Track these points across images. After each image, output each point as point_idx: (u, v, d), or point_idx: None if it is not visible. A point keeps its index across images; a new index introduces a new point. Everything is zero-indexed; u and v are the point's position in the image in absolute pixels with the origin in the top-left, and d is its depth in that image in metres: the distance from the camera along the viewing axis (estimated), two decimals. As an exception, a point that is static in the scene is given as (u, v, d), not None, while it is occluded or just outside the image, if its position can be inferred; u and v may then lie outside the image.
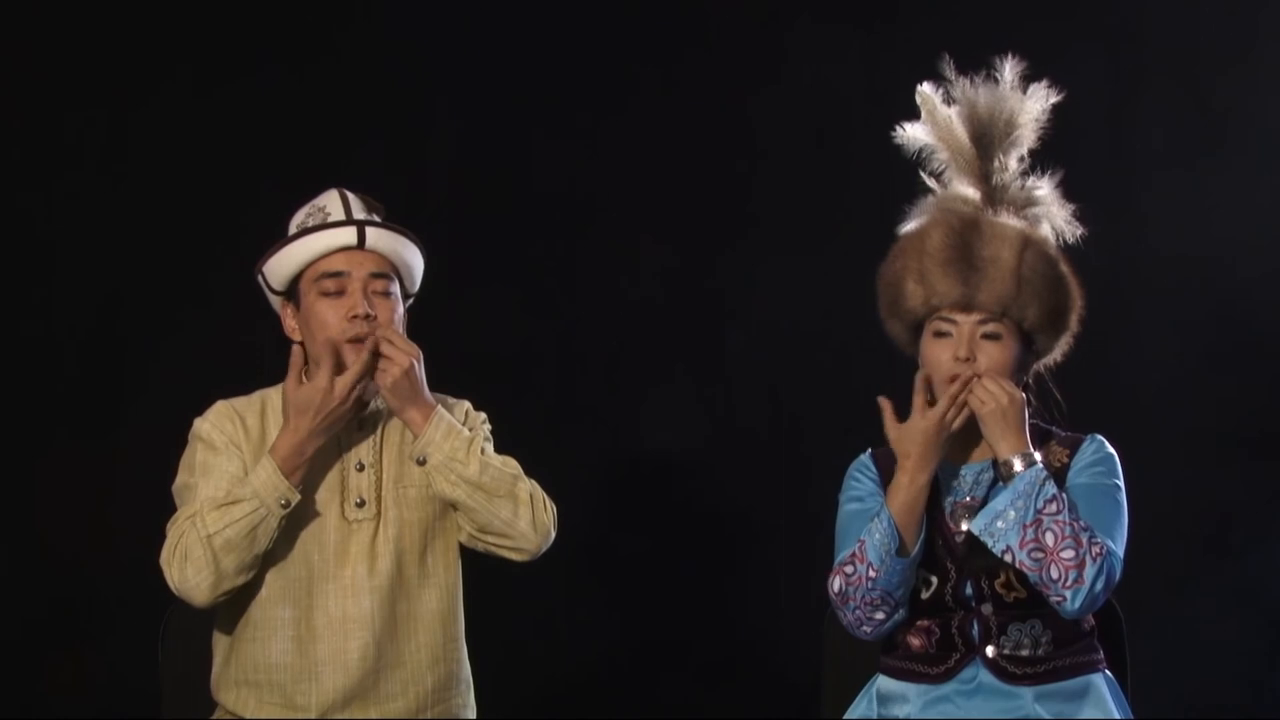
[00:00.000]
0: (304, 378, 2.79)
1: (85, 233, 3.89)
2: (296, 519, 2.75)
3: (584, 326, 4.10)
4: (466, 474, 2.76)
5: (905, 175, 3.01)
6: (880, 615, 2.73)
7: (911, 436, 2.72)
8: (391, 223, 2.85)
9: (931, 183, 2.95)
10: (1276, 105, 4.16)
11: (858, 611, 2.73)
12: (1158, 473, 2.97)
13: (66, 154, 3.90)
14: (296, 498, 2.72)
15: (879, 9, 4.15)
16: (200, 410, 2.86)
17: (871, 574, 2.70)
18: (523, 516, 2.79)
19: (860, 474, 2.88)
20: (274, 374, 2.88)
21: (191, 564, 2.69)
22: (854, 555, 2.73)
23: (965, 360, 2.74)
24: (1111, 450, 2.81)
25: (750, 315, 4.12)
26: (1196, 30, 4.16)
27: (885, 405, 2.76)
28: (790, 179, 4.12)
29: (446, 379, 2.88)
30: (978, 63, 2.95)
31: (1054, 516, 2.66)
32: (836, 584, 2.75)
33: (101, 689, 3.79)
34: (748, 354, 4.12)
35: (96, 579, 3.85)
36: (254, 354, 3.52)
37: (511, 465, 2.83)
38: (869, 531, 2.72)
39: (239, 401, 2.86)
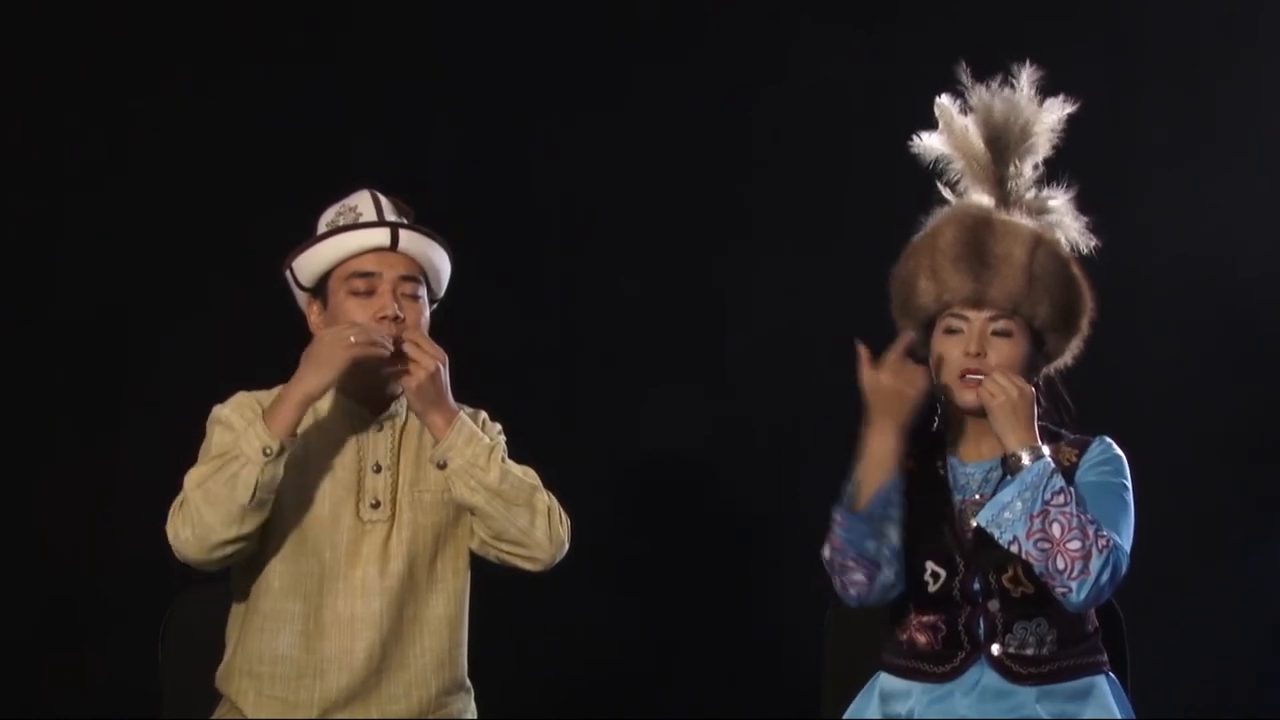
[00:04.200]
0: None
1: (86, 234, 3.89)
2: (312, 515, 2.76)
3: (584, 327, 4.10)
4: (487, 480, 2.76)
5: (905, 176, 3.02)
6: (859, 576, 2.74)
7: (871, 387, 2.74)
8: (422, 226, 2.85)
9: (947, 193, 2.96)
10: (1276, 105, 4.16)
11: (840, 576, 2.76)
12: (1157, 473, 2.97)
13: (67, 157, 3.90)
14: (276, 444, 2.67)
15: (879, 9, 4.15)
16: (202, 409, 2.86)
17: (840, 534, 2.73)
18: (539, 526, 2.80)
19: None
20: (276, 374, 2.88)
21: (181, 518, 2.69)
22: (834, 520, 2.75)
23: (976, 356, 2.75)
24: (1119, 451, 2.82)
25: (750, 315, 4.12)
26: (1196, 30, 4.16)
27: (862, 351, 2.76)
28: (790, 179, 4.12)
29: (450, 381, 2.88)
30: (977, 62, 2.95)
31: (1061, 508, 2.67)
32: (826, 552, 2.78)
33: (101, 689, 3.79)
34: (748, 354, 4.12)
35: (96, 579, 3.84)
36: (255, 354, 3.52)
37: (531, 476, 2.83)
38: (842, 493, 2.75)
39: (260, 394, 2.85)
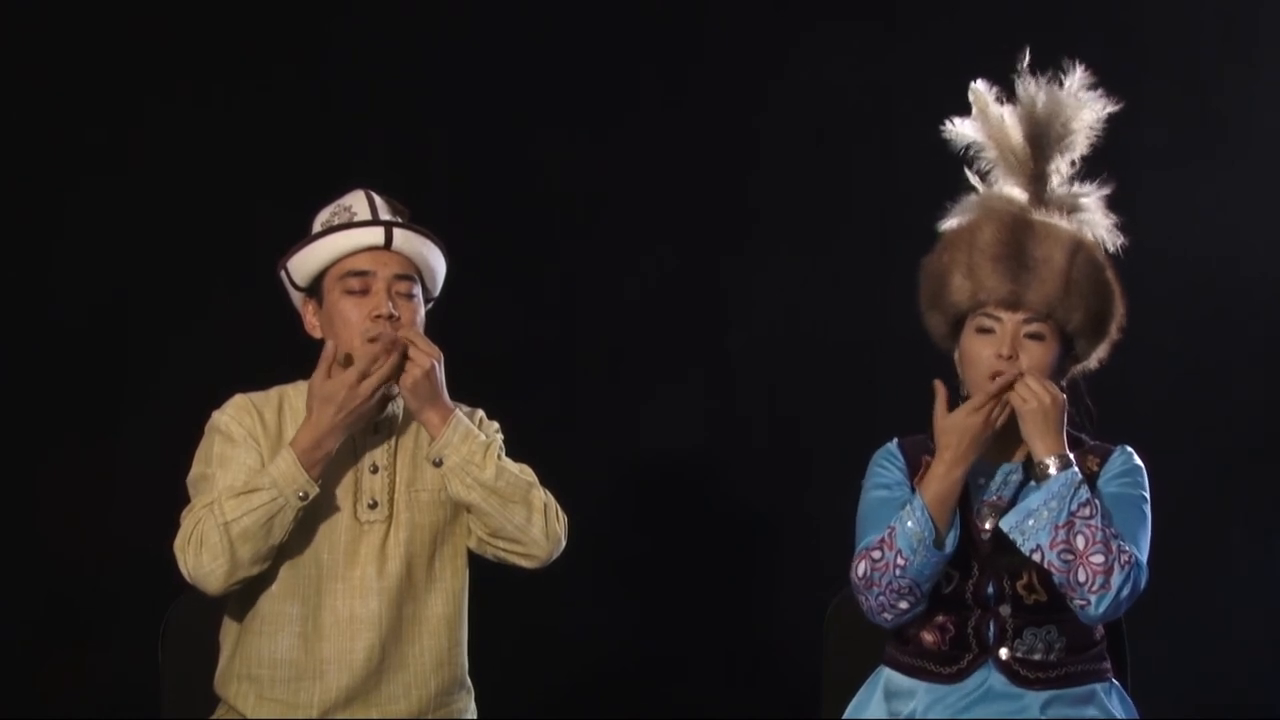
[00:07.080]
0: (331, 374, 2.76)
1: (87, 234, 3.89)
2: (310, 517, 2.75)
3: (585, 328, 4.10)
4: (482, 478, 2.76)
5: (907, 176, 3.01)
6: (904, 605, 2.72)
7: (955, 428, 2.71)
8: (417, 224, 2.85)
9: (976, 181, 2.93)
10: (1276, 105, 4.16)
11: (881, 598, 2.72)
12: (1158, 474, 2.97)
13: (69, 158, 3.89)
14: (315, 490, 2.71)
15: (879, 9, 4.15)
16: (202, 409, 2.85)
17: (900, 562, 2.69)
18: (535, 523, 2.80)
19: (887, 462, 2.86)
20: (275, 374, 2.88)
21: (207, 550, 2.68)
22: (882, 541, 2.71)
23: (1008, 358, 2.73)
24: (1140, 462, 2.81)
25: (751, 316, 4.12)
26: (1197, 30, 4.16)
27: (940, 390, 2.74)
28: (791, 179, 4.12)
29: (447, 380, 2.88)
30: (977, 62, 2.95)
31: (1087, 520, 2.66)
32: (861, 569, 2.73)
33: (101, 688, 3.79)
34: (749, 355, 4.12)
35: (97, 578, 3.85)
36: (254, 354, 3.52)
37: (527, 473, 2.83)
38: (899, 519, 2.71)
39: (257, 396, 2.85)
